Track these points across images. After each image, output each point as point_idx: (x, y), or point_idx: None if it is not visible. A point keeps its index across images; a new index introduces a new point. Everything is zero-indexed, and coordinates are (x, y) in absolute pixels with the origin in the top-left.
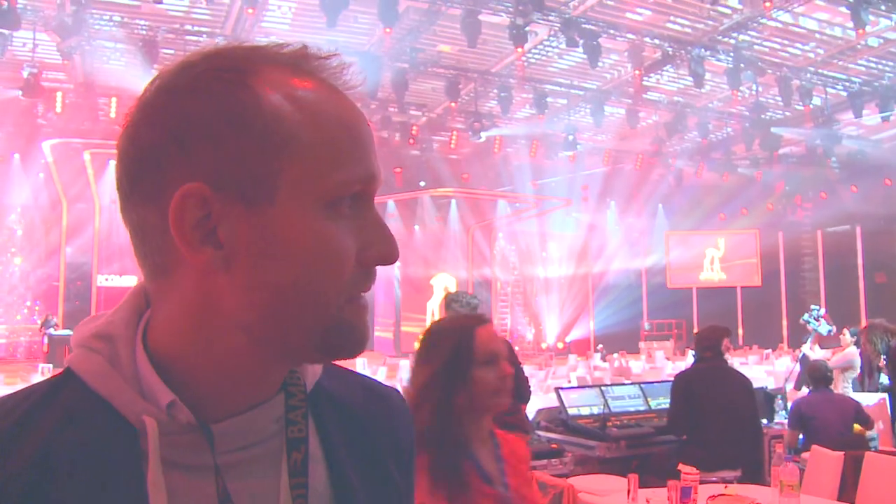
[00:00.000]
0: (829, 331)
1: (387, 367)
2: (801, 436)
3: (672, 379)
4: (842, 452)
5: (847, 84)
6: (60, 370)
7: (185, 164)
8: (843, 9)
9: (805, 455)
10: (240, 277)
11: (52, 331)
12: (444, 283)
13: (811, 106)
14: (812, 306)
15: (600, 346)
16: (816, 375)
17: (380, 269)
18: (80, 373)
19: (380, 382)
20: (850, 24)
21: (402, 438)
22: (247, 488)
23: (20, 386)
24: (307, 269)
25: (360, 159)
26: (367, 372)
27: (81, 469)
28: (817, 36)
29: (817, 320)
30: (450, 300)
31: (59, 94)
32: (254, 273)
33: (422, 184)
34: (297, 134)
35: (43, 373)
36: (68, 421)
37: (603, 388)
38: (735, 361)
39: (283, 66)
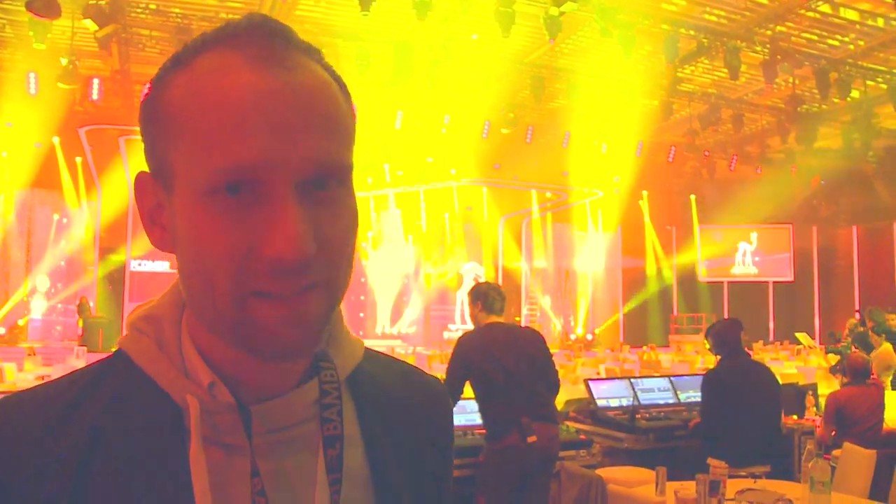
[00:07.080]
0: None
1: (415, 356)
2: (833, 433)
3: (703, 373)
4: (874, 451)
5: (888, 77)
6: (110, 353)
7: (145, 156)
8: None
9: (836, 452)
10: (178, 260)
11: (86, 315)
12: (473, 272)
13: (849, 99)
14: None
15: (619, 341)
16: (857, 368)
17: (410, 259)
18: (129, 353)
19: (420, 370)
20: (894, 15)
21: (439, 425)
22: (280, 469)
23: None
24: (195, 258)
25: (233, 145)
26: None
27: (128, 444)
28: (857, 27)
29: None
30: (476, 294)
31: (95, 82)
32: (179, 258)
33: (452, 171)
34: (186, 121)
35: (78, 355)
36: (117, 399)
37: (632, 380)
38: (766, 357)
39: (223, 46)
